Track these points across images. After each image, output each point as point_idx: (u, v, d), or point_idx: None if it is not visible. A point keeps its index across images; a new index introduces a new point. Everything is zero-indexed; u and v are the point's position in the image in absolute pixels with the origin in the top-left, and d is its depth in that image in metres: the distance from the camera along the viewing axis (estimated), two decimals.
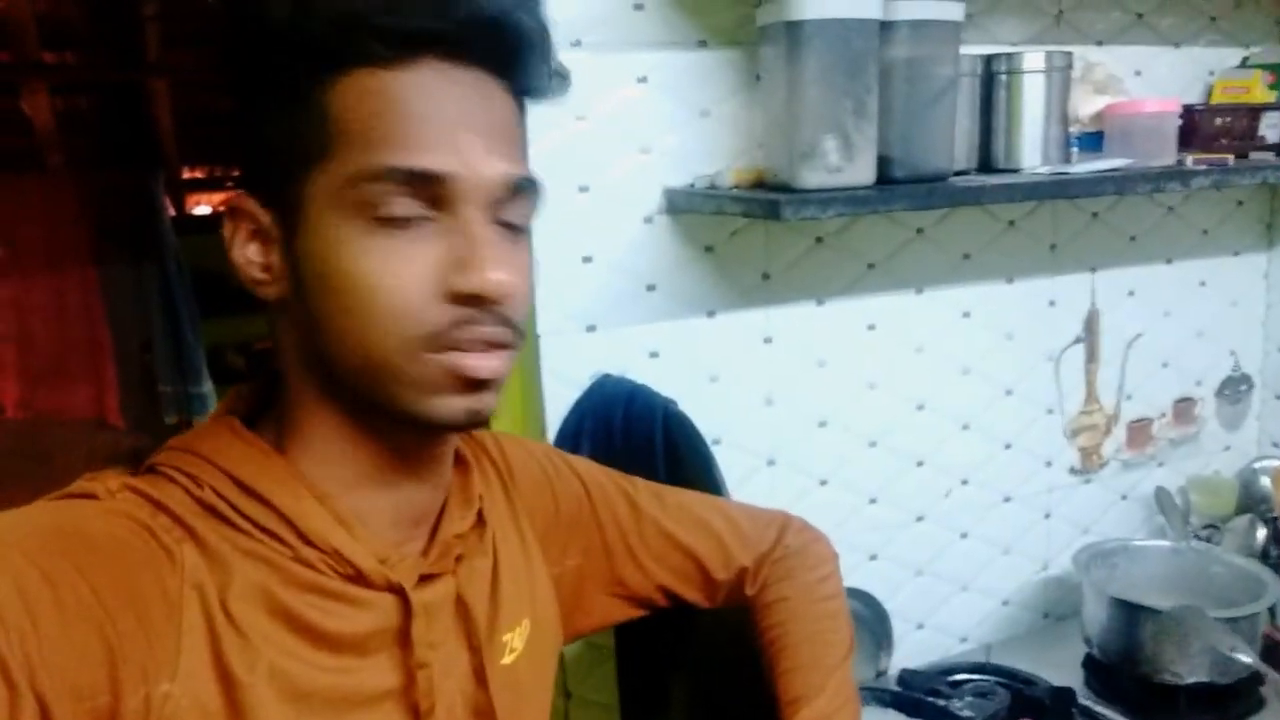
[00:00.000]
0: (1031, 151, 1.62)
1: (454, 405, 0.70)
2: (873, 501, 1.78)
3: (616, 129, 1.49)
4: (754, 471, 1.67)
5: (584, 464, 1.05)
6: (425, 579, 0.76)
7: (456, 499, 0.83)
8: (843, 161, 1.40)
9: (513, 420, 1.53)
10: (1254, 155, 1.76)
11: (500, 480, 0.93)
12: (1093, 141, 1.70)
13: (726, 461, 1.59)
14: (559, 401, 1.50)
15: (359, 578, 0.71)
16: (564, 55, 1.42)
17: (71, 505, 0.66)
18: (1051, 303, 1.88)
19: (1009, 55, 1.61)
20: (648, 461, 1.40)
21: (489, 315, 0.69)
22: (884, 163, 1.45)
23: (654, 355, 1.56)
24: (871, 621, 1.73)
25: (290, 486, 0.71)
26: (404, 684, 0.74)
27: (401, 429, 0.73)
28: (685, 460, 1.38)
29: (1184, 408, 2.05)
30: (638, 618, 1.09)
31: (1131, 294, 1.95)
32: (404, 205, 0.66)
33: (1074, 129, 1.70)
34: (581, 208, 1.49)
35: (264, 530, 0.69)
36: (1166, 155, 1.65)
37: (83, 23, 4.59)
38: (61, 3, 4.37)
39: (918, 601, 1.85)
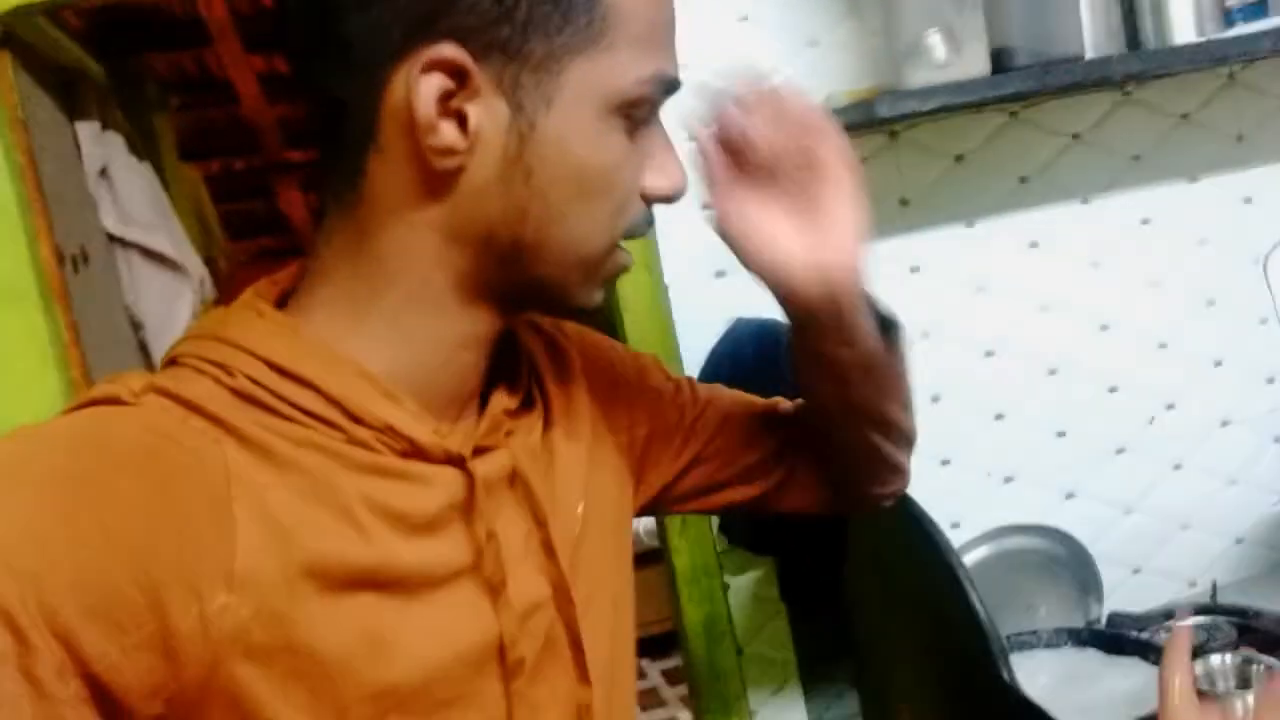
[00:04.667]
0: (1183, 26, 1.48)
1: (597, 296, 0.71)
2: (1061, 435, 1.65)
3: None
4: (917, 410, 1.57)
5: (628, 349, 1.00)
6: (479, 452, 0.71)
7: (504, 376, 0.78)
8: (950, 56, 1.33)
9: None
10: None
11: (549, 349, 0.87)
12: (1257, 11, 1.53)
13: None
14: (694, 351, 1.48)
15: (415, 451, 0.66)
16: None
17: (94, 416, 0.60)
18: (1247, 200, 1.69)
19: None
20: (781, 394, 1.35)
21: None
22: (1004, 53, 1.37)
23: None
24: (1073, 565, 1.58)
25: (330, 364, 0.65)
26: (475, 559, 0.69)
27: (523, 308, 0.72)
28: None
29: None
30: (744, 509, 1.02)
31: None
32: (649, 110, 0.67)
33: (1235, 1, 1.54)
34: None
35: (310, 414, 0.63)
36: None
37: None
38: (299, 105, 4.79)
39: (1131, 543, 1.68)
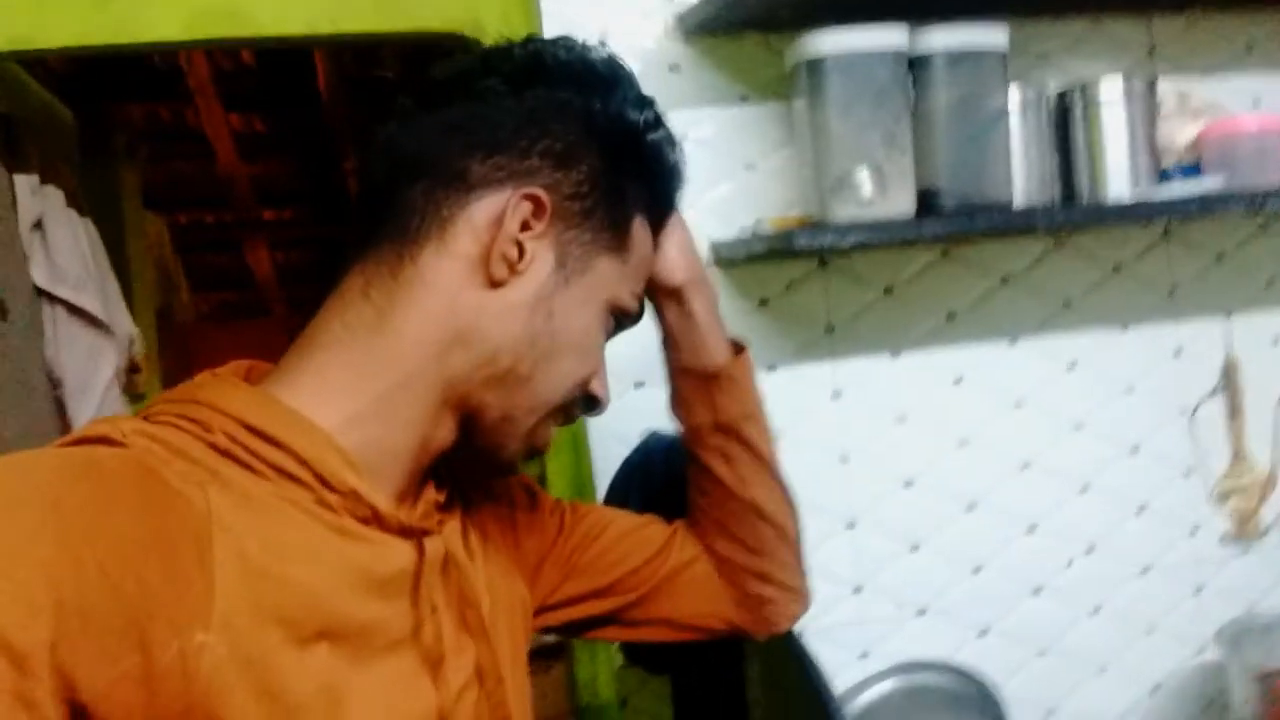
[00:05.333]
0: (1118, 183, 1.50)
1: (519, 460, 0.84)
2: (977, 570, 1.64)
3: None
4: (831, 535, 1.57)
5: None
6: (420, 533, 0.77)
7: (430, 475, 0.84)
8: (876, 194, 1.34)
9: (563, 478, 1.51)
10: None
11: (453, 473, 0.92)
12: (1192, 172, 1.56)
13: None
14: (609, 459, 1.47)
15: (374, 519, 0.72)
16: None
17: (87, 452, 0.63)
18: (1177, 351, 1.71)
19: (1083, 86, 1.52)
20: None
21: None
22: (931, 195, 1.39)
23: None
24: (980, 704, 1.56)
25: (302, 430, 0.70)
26: (414, 632, 0.74)
27: (462, 435, 0.80)
28: None
29: None
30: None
31: (1277, 342, 1.75)
32: (619, 324, 0.86)
33: (1171, 161, 1.57)
34: None
35: (282, 472, 0.68)
36: (1273, 175, 1.50)
37: (295, 182, 5.04)
38: (273, 165, 4.81)
39: (1044, 685, 1.67)
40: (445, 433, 0.79)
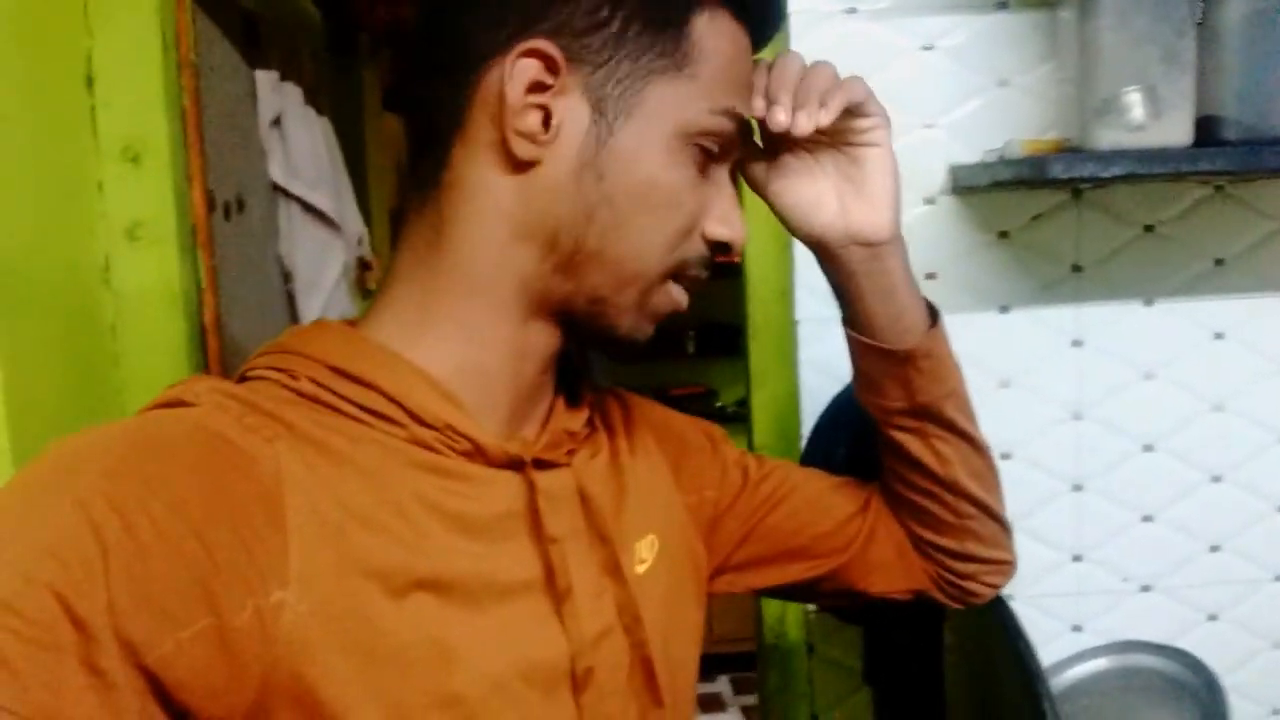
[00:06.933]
0: None
1: (646, 330, 0.73)
2: (1215, 549, 1.48)
3: (895, 102, 1.36)
4: (1053, 496, 1.44)
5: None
6: (541, 465, 0.71)
7: (564, 400, 0.78)
8: (1149, 119, 1.18)
9: (767, 412, 1.43)
10: None
11: (619, 404, 0.87)
12: None
13: (1018, 481, 1.40)
14: (818, 395, 1.38)
15: (477, 453, 0.67)
16: (838, 25, 1.34)
17: (153, 417, 0.62)
18: None
19: None
20: None
21: (712, 262, 0.74)
22: (1211, 123, 1.22)
23: None
24: (1199, 692, 1.42)
25: (390, 366, 0.67)
26: (544, 572, 0.69)
27: (576, 330, 0.72)
28: None
29: None
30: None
31: None
32: (720, 146, 0.71)
33: None
34: None
35: (372, 412, 0.65)
36: None
37: None
38: None
39: (1273, 680, 1.50)
40: (542, 340, 0.72)
